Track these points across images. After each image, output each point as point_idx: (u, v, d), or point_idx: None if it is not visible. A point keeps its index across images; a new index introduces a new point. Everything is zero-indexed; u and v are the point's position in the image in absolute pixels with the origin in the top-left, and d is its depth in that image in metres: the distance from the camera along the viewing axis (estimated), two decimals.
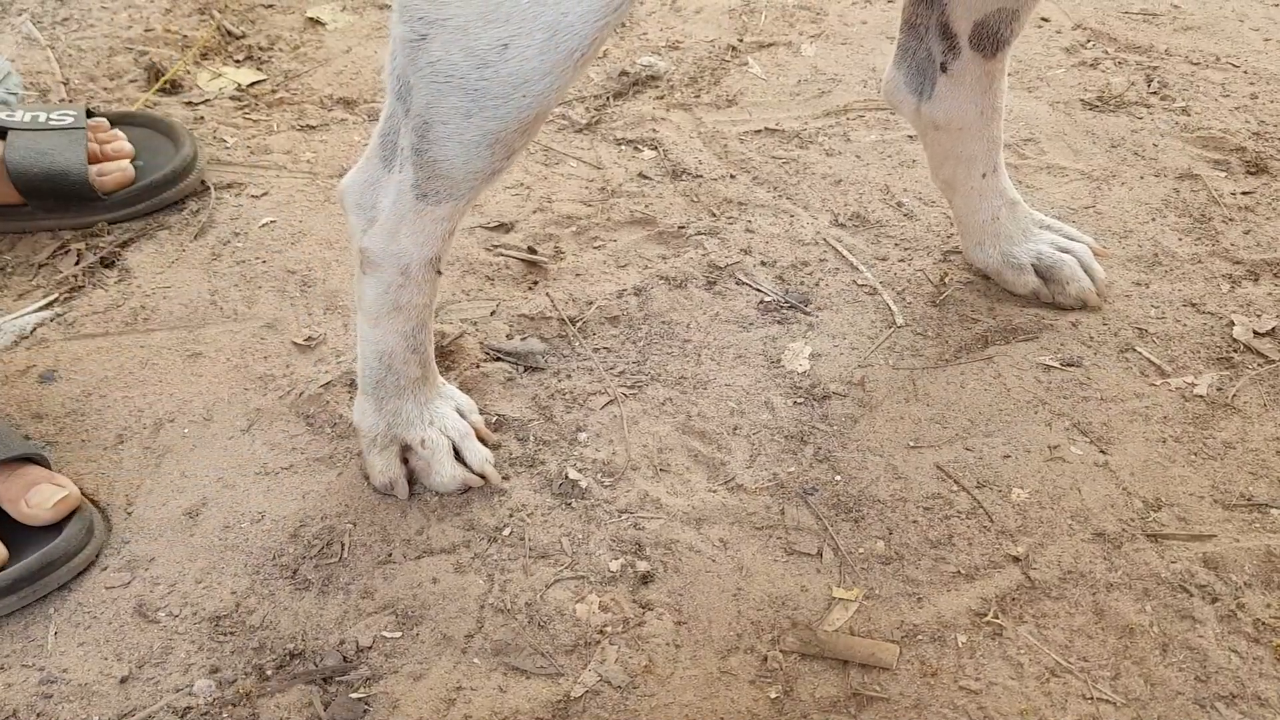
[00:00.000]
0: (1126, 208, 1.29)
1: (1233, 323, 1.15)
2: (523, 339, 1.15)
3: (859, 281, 1.22)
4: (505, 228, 1.29)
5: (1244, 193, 1.30)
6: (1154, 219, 1.27)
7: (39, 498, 0.94)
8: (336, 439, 1.04)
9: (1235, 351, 1.12)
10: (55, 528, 0.93)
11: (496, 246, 1.26)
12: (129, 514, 0.98)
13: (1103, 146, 1.37)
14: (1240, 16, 1.58)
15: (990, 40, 1.03)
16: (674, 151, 1.40)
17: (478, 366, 1.12)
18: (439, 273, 0.93)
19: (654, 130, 1.44)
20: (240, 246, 1.25)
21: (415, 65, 0.79)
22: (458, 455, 1.00)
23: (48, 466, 0.97)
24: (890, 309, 1.18)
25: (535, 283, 1.22)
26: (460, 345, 1.14)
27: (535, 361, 1.12)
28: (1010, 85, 1.47)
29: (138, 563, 0.94)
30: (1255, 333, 1.14)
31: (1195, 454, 1.03)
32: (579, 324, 1.17)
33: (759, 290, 1.21)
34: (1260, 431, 1.04)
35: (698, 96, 1.49)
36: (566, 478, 1.01)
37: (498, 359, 1.13)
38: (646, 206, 1.32)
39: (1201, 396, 1.08)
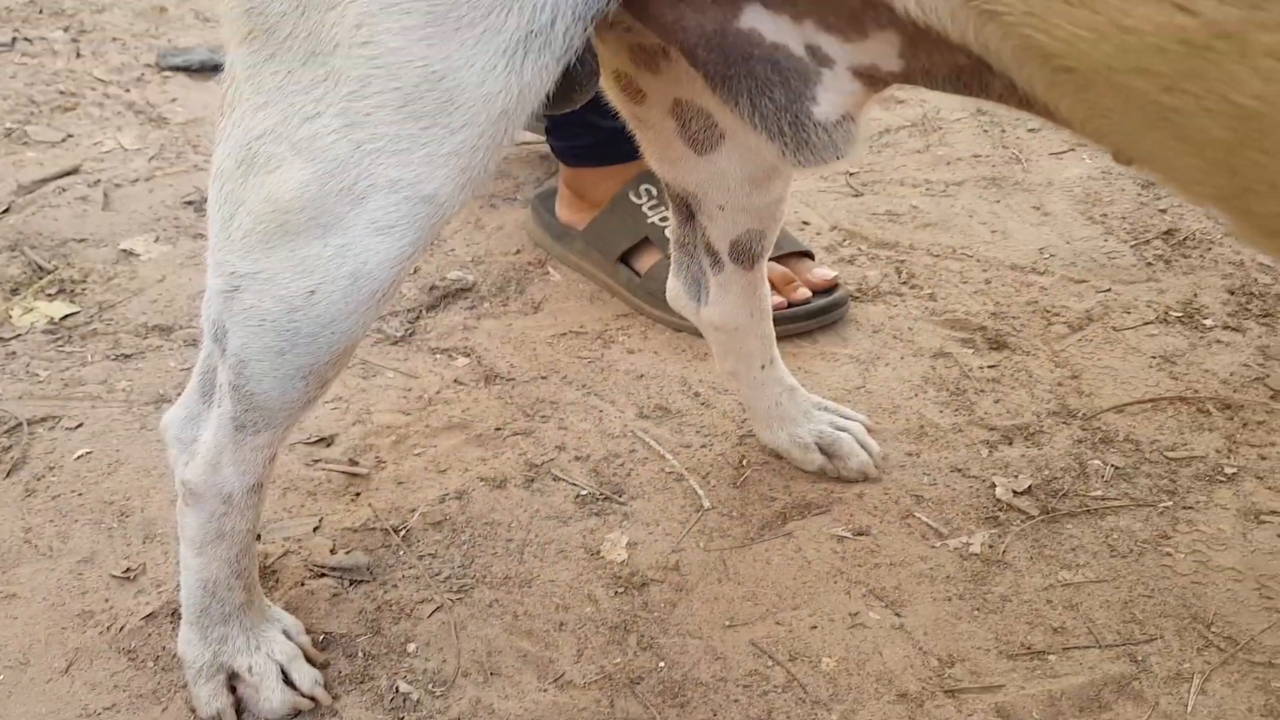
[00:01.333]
0: (892, 385, 1.35)
1: (994, 484, 1.20)
2: (347, 553, 1.10)
3: (666, 469, 1.22)
4: (325, 442, 1.25)
5: (989, 366, 1.38)
6: (916, 394, 1.33)
7: None
8: (160, 672, 0.96)
9: (1000, 510, 1.17)
10: None
11: (317, 461, 1.22)
12: None
13: (866, 333, 1.44)
14: (970, 213, 1.72)
15: (746, 255, 1.11)
16: (486, 357, 1.40)
17: (302, 584, 1.06)
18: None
19: (466, 339, 1.43)
20: (55, 480, 1.17)
21: (230, 312, 0.79)
22: (286, 678, 0.94)
23: None
24: (697, 493, 1.19)
25: (357, 494, 1.18)
26: (284, 564, 1.08)
27: (361, 575, 1.07)
28: None
29: None
30: (1014, 492, 1.19)
31: (978, 609, 1.06)
32: (403, 532, 1.13)
33: (574, 485, 1.20)
34: (1030, 583, 1.08)
35: (505, 305, 1.50)
36: (397, 691, 0.95)
37: (323, 575, 1.08)
38: (463, 411, 1.30)
39: (977, 554, 1.11)
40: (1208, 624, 1.03)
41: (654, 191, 1.51)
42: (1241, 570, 1.09)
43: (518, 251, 1.62)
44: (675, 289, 1.17)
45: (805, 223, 1.69)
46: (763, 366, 1.19)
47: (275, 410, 0.83)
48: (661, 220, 1.49)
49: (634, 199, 1.51)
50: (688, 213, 1.10)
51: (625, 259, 1.51)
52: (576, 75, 0.76)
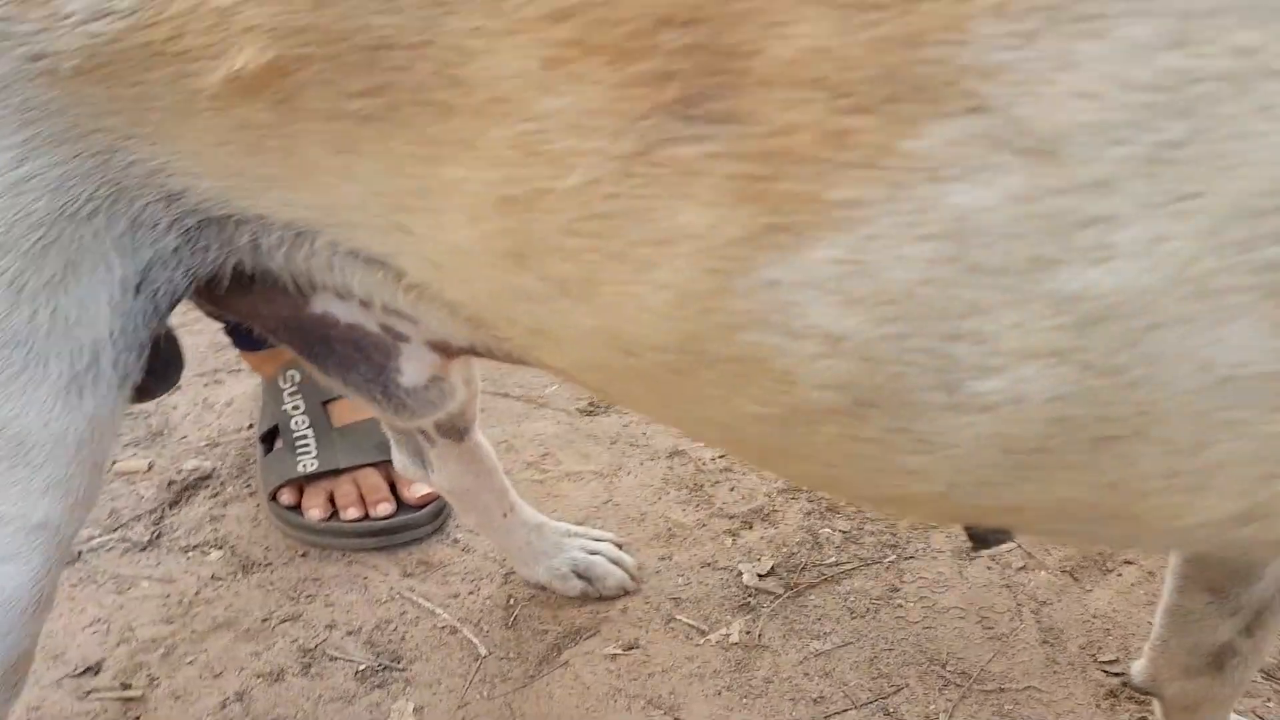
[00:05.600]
0: (636, 493, 1.51)
1: (741, 572, 1.37)
2: None
3: (439, 624, 1.33)
4: (93, 670, 1.29)
5: (720, 456, 1.56)
6: (659, 498, 1.50)
7: None
8: None
9: (750, 596, 1.34)
10: None
11: (90, 692, 1.26)
12: None
13: (604, 445, 1.60)
14: None
15: (452, 431, 1.21)
16: (240, 546, 1.46)
17: None
18: None
19: (216, 530, 1.49)
20: None
21: None
22: None
23: None
24: (473, 642, 1.30)
25: (137, 718, 1.23)
26: None
27: None
28: (522, 408, 1.68)
29: None
30: (759, 575, 1.37)
31: (745, 696, 1.22)
32: None
33: (351, 661, 1.29)
34: (787, 660, 1.25)
35: (249, 486, 1.57)
36: None
37: None
38: (226, 608, 1.37)
39: (737, 643, 1.28)
40: (943, 664, 1.24)
41: (297, 378, 1.56)
42: (964, 607, 1.30)
43: (250, 426, 1.68)
44: (402, 461, 1.28)
45: None
46: (504, 515, 1.32)
47: None
48: (294, 409, 1.54)
49: (280, 383, 1.58)
50: None
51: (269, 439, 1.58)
52: (160, 370, 0.84)
